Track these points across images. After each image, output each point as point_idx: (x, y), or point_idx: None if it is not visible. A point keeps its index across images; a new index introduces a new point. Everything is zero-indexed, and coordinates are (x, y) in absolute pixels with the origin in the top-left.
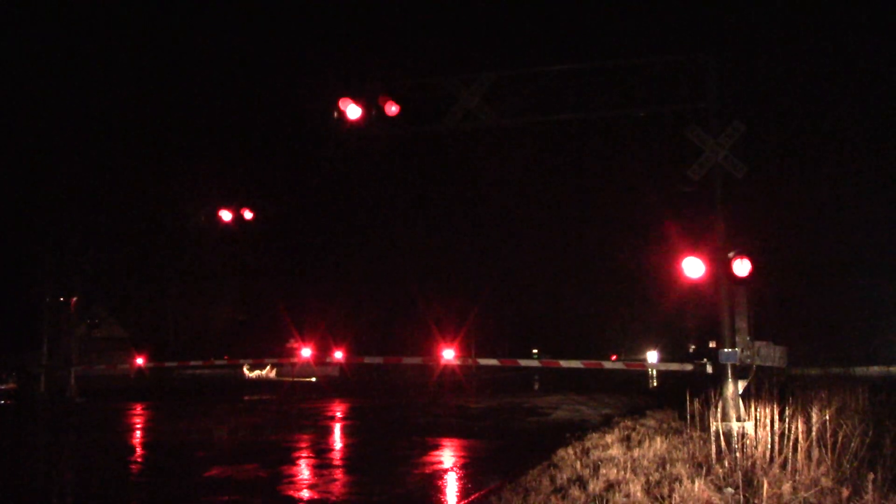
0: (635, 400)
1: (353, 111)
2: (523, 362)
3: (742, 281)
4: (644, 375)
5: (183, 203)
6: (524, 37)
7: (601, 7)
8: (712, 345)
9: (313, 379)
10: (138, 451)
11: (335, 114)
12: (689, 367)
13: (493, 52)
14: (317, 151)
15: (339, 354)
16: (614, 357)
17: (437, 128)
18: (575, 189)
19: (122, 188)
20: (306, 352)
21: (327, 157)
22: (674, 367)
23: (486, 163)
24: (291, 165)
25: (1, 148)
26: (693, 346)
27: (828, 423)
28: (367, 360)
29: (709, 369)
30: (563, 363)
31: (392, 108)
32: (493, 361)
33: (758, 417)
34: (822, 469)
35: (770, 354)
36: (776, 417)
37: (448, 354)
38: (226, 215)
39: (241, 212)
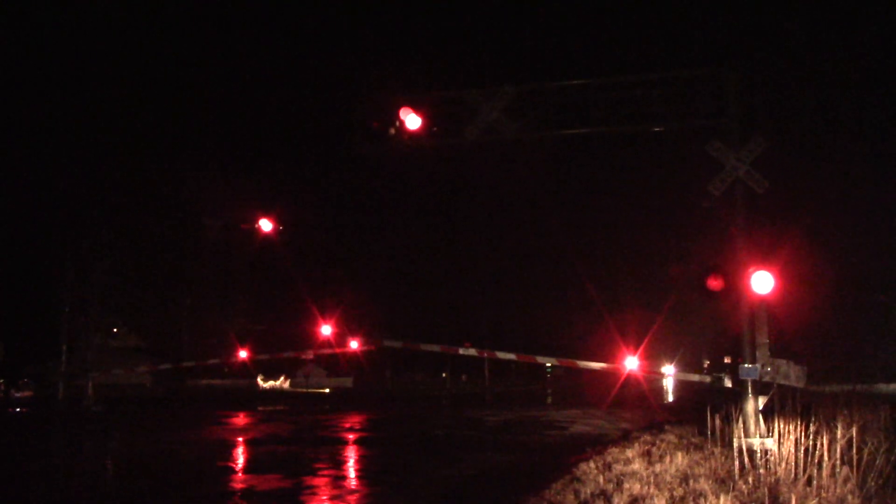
0: (653, 415)
1: (374, 124)
2: (540, 359)
3: (763, 297)
4: (660, 390)
5: (202, 213)
6: (545, 51)
7: (623, 21)
8: (727, 360)
9: (327, 390)
10: (156, 460)
11: (365, 126)
12: (707, 379)
13: (514, 66)
14: (338, 164)
15: (354, 344)
16: None
17: (458, 141)
18: (597, 201)
19: (142, 199)
20: (326, 329)
21: (348, 169)
22: (694, 378)
23: (508, 174)
24: (310, 177)
25: (21, 161)
26: (707, 362)
27: (853, 440)
28: (386, 342)
29: (727, 383)
30: (581, 363)
31: (414, 122)
32: (510, 356)
33: (781, 434)
34: (849, 487)
35: (789, 373)
36: (801, 434)
37: (467, 350)
38: (245, 225)
39: (260, 222)
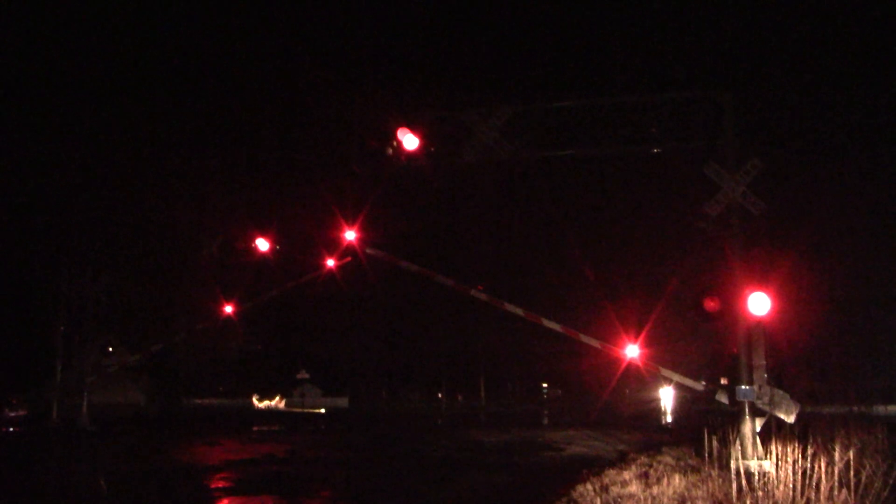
0: (650, 436)
1: (372, 143)
2: (547, 322)
3: (760, 318)
4: (658, 411)
5: (197, 232)
6: (542, 73)
7: (620, 43)
8: (724, 381)
9: (322, 410)
10: (151, 480)
11: (362, 145)
12: (699, 387)
13: (512, 88)
14: (336, 182)
15: (331, 262)
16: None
17: (456, 161)
18: (591, 220)
19: (137, 217)
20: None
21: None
22: (689, 382)
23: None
24: (308, 196)
25: (17, 179)
26: (704, 383)
27: (850, 462)
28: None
29: (720, 397)
30: (583, 338)
31: (412, 142)
32: (518, 311)
33: (778, 456)
34: None
35: (782, 404)
36: (798, 456)
37: (479, 294)
38: (241, 245)
39: (256, 242)
